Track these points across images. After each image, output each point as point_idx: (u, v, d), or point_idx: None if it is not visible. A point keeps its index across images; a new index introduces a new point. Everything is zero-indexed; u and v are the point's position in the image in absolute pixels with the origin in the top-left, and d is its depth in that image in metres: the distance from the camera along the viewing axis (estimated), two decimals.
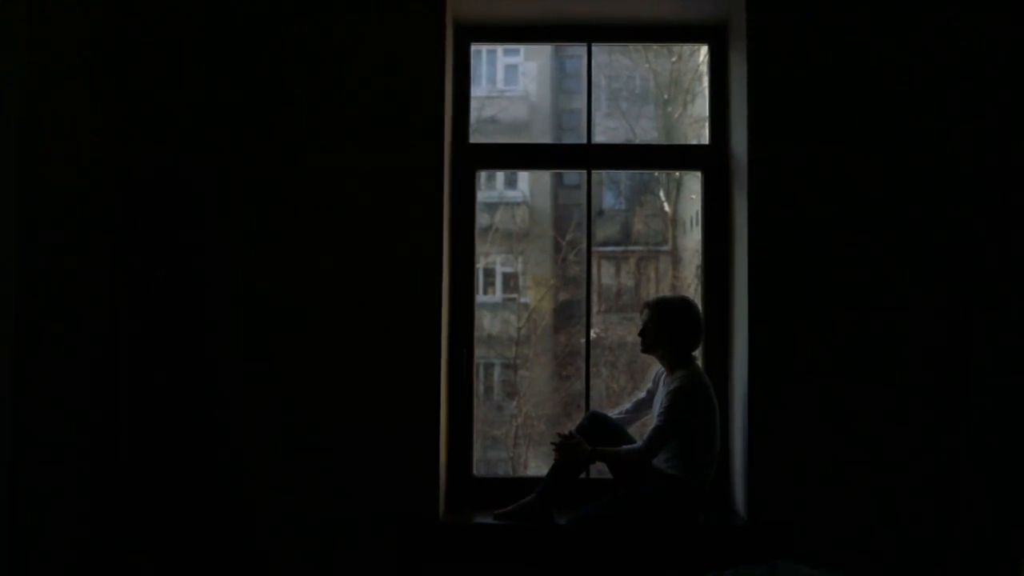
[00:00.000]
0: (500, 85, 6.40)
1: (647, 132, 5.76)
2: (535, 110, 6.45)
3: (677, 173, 5.48)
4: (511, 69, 6.47)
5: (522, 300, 6.19)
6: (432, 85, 2.96)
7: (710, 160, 3.20)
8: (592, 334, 3.40)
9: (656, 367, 2.99)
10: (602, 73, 5.58)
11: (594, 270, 5.64)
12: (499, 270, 6.28)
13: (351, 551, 2.86)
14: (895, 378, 2.87)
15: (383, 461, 2.88)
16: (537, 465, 5.53)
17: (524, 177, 6.30)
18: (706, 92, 3.28)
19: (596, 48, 3.34)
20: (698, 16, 3.18)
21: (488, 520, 2.88)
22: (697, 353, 2.93)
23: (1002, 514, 2.83)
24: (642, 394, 3.03)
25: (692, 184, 5.14)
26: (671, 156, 3.37)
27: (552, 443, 2.87)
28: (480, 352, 4.69)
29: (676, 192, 5.81)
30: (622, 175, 5.90)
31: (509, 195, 6.37)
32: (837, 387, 2.87)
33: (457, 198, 3.18)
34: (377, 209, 2.93)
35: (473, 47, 3.29)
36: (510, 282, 6.30)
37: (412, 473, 2.88)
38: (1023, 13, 2.91)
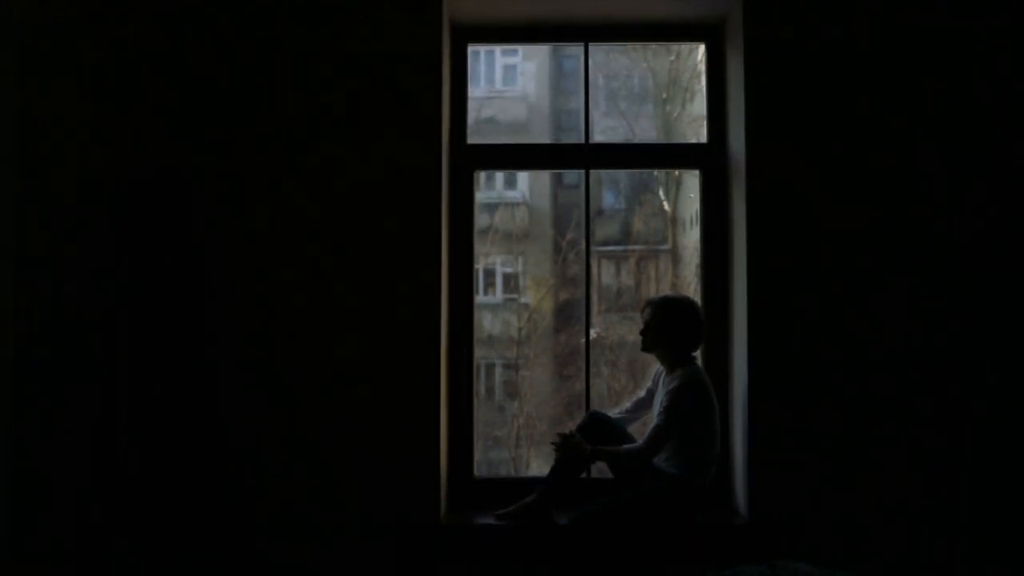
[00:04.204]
0: (498, 85, 6.40)
1: (646, 131, 5.75)
2: (534, 110, 6.44)
3: (677, 172, 5.48)
4: (509, 69, 6.46)
5: (522, 300, 6.19)
6: (430, 86, 2.96)
7: (708, 159, 3.20)
8: (593, 334, 3.39)
9: (656, 366, 2.99)
10: (600, 72, 5.57)
11: (594, 270, 5.64)
12: (499, 270, 6.27)
13: (352, 553, 2.86)
14: (895, 377, 2.87)
15: (384, 462, 2.88)
16: (539, 465, 5.52)
17: (523, 177, 6.30)
18: (704, 91, 3.28)
19: (594, 48, 3.35)
20: (695, 15, 3.18)
21: (489, 520, 2.88)
22: (697, 353, 2.93)
23: (1003, 513, 2.83)
24: (642, 393, 3.04)
25: (692, 183, 5.13)
26: (669, 155, 3.37)
27: (552, 443, 2.87)
28: (481, 352, 4.70)
29: (676, 191, 5.80)
30: (621, 174, 5.89)
31: (508, 195, 6.36)
32: (837, 386, 2.87)
33: (456, 199, 3.18)
34: (376, 210, 2.94)
35: (471, 48, 3.29)
36: (510, 282, 6.30)
37: (413, 474, 2.88)
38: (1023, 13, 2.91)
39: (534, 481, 3.03)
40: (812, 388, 2.87)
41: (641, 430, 2.94)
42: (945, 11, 2.92)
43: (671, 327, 2.85)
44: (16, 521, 2.41)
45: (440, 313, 2.96)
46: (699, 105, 3.42)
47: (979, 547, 2.82)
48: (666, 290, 5.78)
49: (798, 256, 2.90)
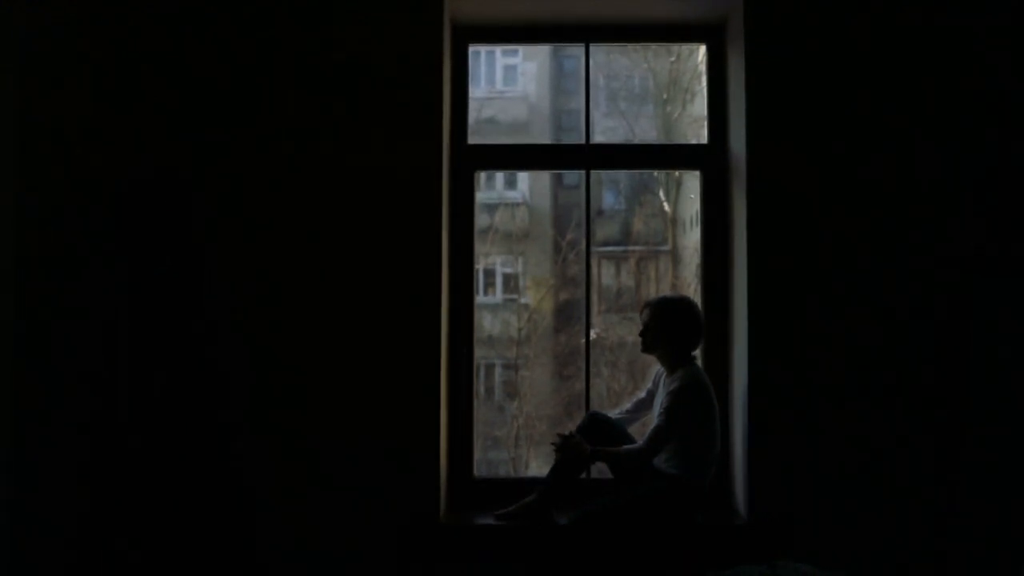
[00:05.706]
0: (499, 86, 6.41)
1: (646, 132, 5.76)
2: (534, 110, 6.45)
3: (677, 172, 5.48)
4: (510, 69, 6.47)
5: (522, 300, 6.20)
6: (430, 86, 2.96)
7: (709, 160, 3.20)
8: (593, 334, 3.40)
9: (656, 367, 2.99)
10: (601, 73, 5.58)
11: (594, 270, 5.64)
12: (499, 271, 6.28)
13: (352, 553, 2.86)
14: (895, 377, 2.86)
15: (383, 462, 2.88)
16: (538, 465, 5.53)
17: (524, 177, 6.31)
18: (705, 91, 3.28)
19: (595, 48, 3.34)
20: (696, 16, 3.18)
21: (489, 520, 2.88)
22: (697, 353, 2.93)
23: (1003, 514, 2.83)
24: (642, 394, 3.04)
25: (692, 183, 5.14)
26: (669, 156, 3.36)
27: (552, 443, 2.87)
28: (481, 353, 4.70)
29: (676, 191, 5.81)
30: (621, 175, 5.90)
31: (509, 195, 6.37)
32: (837, 386, 2.87)
33: (456, 199, 3.18)
34: (376, 210, 2.94)
35: (471, 48, 3.29)
36: (510, 282, 6.31)
37: (413, 474, 2.88)
38: None
39: (534, 481, 3.03)
40: (812, 388, 2.87)
41: (641, 431, 2.94)
42: (945, 11, 2.91)
43: (670, 328, 2.85)
44: (16, 521, 2.41)
45: (440, 313, 2.96)
46: (699, 106, 3.42)
47: (978, 547, 2.82)
48: (666, 291, 5.78)
49: (798, 256, 2.90)
